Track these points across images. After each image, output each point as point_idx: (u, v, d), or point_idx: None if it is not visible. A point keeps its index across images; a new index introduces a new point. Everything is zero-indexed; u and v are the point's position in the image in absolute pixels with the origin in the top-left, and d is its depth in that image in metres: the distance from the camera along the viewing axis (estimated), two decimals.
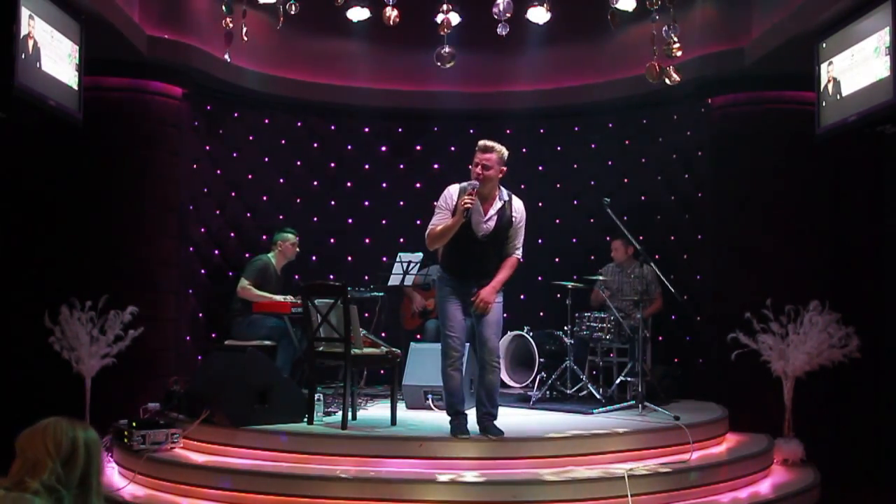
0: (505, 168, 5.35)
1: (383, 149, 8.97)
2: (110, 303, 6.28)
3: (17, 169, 6.91)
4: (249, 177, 8.45)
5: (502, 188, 5.38)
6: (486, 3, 5.80)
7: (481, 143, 5.31)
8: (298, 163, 8.73)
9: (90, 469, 2.43)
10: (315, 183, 8.79)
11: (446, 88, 8.41)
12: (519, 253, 5.38)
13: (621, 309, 7.24)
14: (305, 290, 5.94)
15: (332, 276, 8.00)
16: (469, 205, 5.14)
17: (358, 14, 6.12)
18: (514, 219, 5.33)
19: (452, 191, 5.34)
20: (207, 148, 8.10)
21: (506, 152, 5.34)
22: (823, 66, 6.16)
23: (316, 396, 5.86)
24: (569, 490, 4.87)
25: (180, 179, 7.52)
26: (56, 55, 5.66)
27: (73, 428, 2.43)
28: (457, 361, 5.33)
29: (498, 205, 5.31)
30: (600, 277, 7.37)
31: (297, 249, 7.50)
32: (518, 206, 5.39)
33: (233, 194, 8.34)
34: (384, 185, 8.93)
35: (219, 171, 8.21)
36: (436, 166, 8.70)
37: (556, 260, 8.57)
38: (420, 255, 7.60)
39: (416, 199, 8.68)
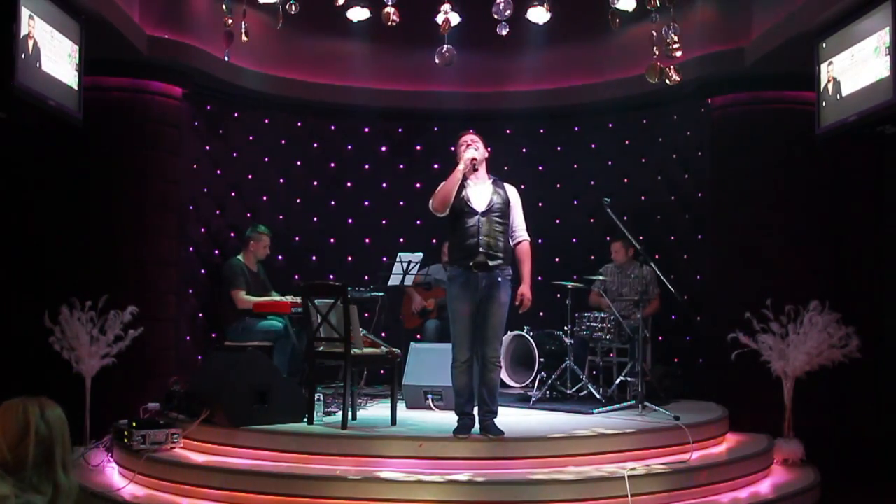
0: (489, 149, 5.58)
1: (383, 149, 8.97)
2: (110, 303, 6.27)
3: (17, 169, 6.91)
4: (249, 177, 8.45)
5: (490, 173, 5.58)
6: (486, 3, 5.79)
7: (461, 132, 5.58)
8: (298, 163, 8.73)
9: (51, 447, 2.47)
10: (315, 183, 8.79)
11: (446, 88, 8.42)
12: (526, 234, 5.56)
13: (620, 309, 7.24)
14: (305, 290, 5.94)
15: (332, 276, 8.00)
16: (474, 156, 5.37)
17: (358, 14, 6.12)
18: (509, 195, 5.51)
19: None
20: (207, 148, 8.10)
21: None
22: (823, 66, 6.16)
23: (316, 396, 5.86)
24: (569, 490, 4.87)
25: (180, 179, 7.52)
26: (56, 55, 5.66)
27: (24, 410, 2.48)
28: (465, 363, 5.35)
29: (490, 182, 5.51)
30: (600, 277, 7.37)
31: (269, 247, 7.50)
32: (511, 187, 5.60)
33: (233, 194, 8.33)
34: (384, 185, 8.93)
35: (219, 171, 8.21)
36: (436, 166, 8.68)
37: (556, 260, 8.56)
38: (420, 255, 7.60)
39: (416, 199, 8.67)
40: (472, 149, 5.43)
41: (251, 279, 7.32)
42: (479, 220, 5.35)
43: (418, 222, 8.47)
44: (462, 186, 5.40)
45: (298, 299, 6.44)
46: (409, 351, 6.80)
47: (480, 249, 5.30)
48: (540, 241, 8.01)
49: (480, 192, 5.43)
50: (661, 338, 7.99)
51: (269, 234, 7.51)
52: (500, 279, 5.33)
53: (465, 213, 5.37)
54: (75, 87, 5.96)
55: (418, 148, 8.99)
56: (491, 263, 5.30)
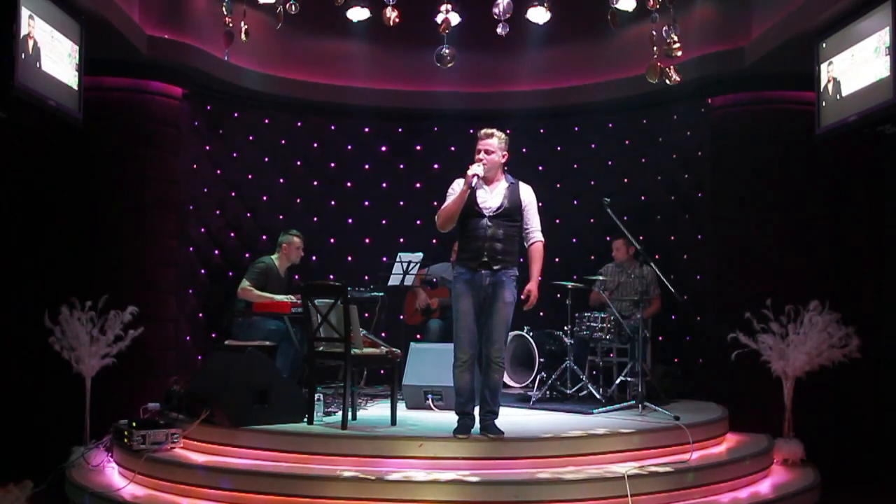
0: (507, 153, 5.50)
1: (383, 149, 8.98)
2: (110, 303, 6.27)
3: (17, 169, 6.90)
4: (249, 177, 8.45)
5: (508, 174, 5.52)
6: (486, 3, 5.80)
7: (482, 131, 5.48)
8: (298, 163, 8.73)
9: None
10: (315, 183, 8.79)
11: (446, 88, 8.43)
12: (539, 235, 5.49)
13: (621, 309, 7.24)
14: (305, 290, 5.94)
15: (332, 276, 8.01)
16: (476, 172, 5.27)
17: (358, 14, 6.12)
18: (522, 200, 5.45)
19: (458, 181, 5.45)
20: (207, 148, 8.11)
21: (506, 136, 5.51)
22: (823, 66, 6.16)
23: (316, 396, 5.86)
24: (569, 490, 4.87)
25: (180, 179, 7.52)
26: (56, 55, 5.66)
27: None
28: (466, 362, 5.35)
29: (504, 184, 5.45)
30: (600, 277, 7.37)
31: (302, 252, 7.50)
32: (526, 188, 5.52)
33: (233, 194, 8.34)
34: (384, 185, 8.94)
35: (219, 171, 8.21)
36: (436, 166, 8.71)
37: (556, 260, 8.55)
38: (420, 255, 7.60)
39: (416, 199, 8.69)
40: (480, 164, 5.34)
41: (275, 280, 7.29)
42: (486, 223, 5.33)
43: (418, 222, 8.47)
44: (474, 189, 5.35)
45: (299, 299, 6.43)
46: (409, 351, 6.80)
47: (485, 252, 5.30)
48: None
49: (492, 195, 5.39)
50: (661, 338, 7.99)
51: (298, 236, 7.47)
52: (504, 278, 5.33)
53: (474, 215, 5.36)
54: (75, 87, 5.96)
55: (418, 148, 8.99)
56: (495, 267, 5.30)
